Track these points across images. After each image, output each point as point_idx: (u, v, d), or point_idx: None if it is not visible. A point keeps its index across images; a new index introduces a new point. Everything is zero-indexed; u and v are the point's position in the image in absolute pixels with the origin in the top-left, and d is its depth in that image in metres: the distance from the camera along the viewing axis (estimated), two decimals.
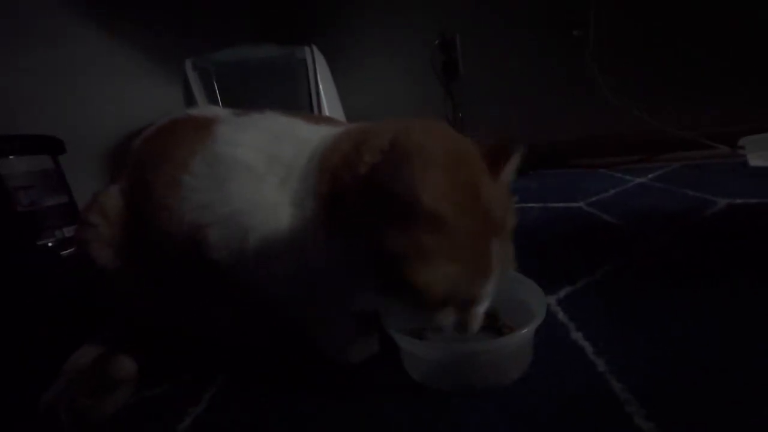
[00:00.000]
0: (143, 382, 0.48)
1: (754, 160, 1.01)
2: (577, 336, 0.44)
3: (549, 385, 0.38)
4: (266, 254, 0.38)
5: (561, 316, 0.48)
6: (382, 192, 0.30)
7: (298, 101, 1.34)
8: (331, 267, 0.38)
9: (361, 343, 0.45)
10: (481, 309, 0.37)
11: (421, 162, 0.28)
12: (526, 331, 0.37)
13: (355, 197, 0.34)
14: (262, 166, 0.40)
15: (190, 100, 1.31)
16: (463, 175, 0.32)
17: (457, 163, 0.32)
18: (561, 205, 0.93)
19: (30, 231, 1.06)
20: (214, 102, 1.31)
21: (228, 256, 0.39)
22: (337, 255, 0.37)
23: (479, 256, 0.33)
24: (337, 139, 0.39)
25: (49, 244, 1.07)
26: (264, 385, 0.45)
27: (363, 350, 0.45)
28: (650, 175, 1.08)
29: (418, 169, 0.28)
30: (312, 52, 1.36)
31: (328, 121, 0.49)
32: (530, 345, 0.41)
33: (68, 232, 1.11)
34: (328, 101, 1.37)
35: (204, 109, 0.57)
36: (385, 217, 0.30)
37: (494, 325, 0.47)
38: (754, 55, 1.11)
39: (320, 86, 1.36)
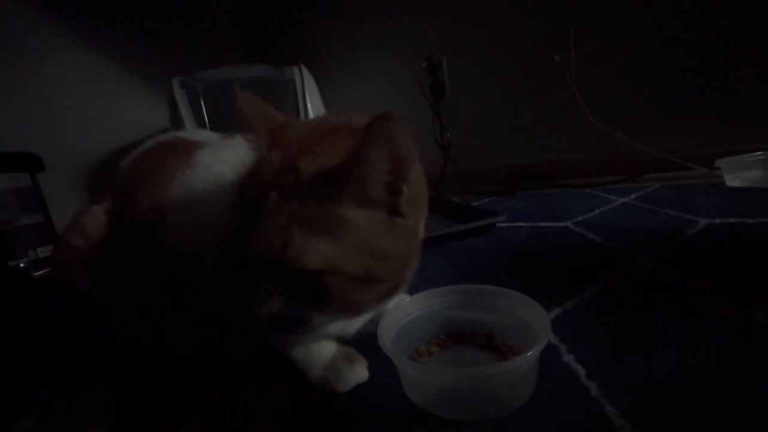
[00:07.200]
0: (123, 415, 0.45)
1: (731, 181, 1.04)
2: (568, 358, 0.44)
3: (542, 411, 0.37)
4: None
5: (551, 338, 0.48)
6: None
7: None
8: None
9: (348, 370, 0.43)
10: None
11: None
12: (534, 353, 0.36)
13: None
14: (229, 175, 0.40)
15: (176, 119, 1.30)
16: None
17: None
18: (548, 224, 0.94)
19: (2, 251, 1.01)
20: (201, 121, 1.30)
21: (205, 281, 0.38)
22: None
23: None
24: None
25: (21, 265, 1.03)
26: (250, 409, 0.43)
27: (350, 378, 0.43)
28: (633, 195, 1.10)
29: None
30: (301, 71, 1.38)
31: None
32: (536, 367, 0.40)
33: (43, 252, 1.07)
34: None
35: (193, 132, 0.57)
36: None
37: (492, 344, 0.46)
38: (730, 80, 1.17)
39: (309, 106, 1.37)
